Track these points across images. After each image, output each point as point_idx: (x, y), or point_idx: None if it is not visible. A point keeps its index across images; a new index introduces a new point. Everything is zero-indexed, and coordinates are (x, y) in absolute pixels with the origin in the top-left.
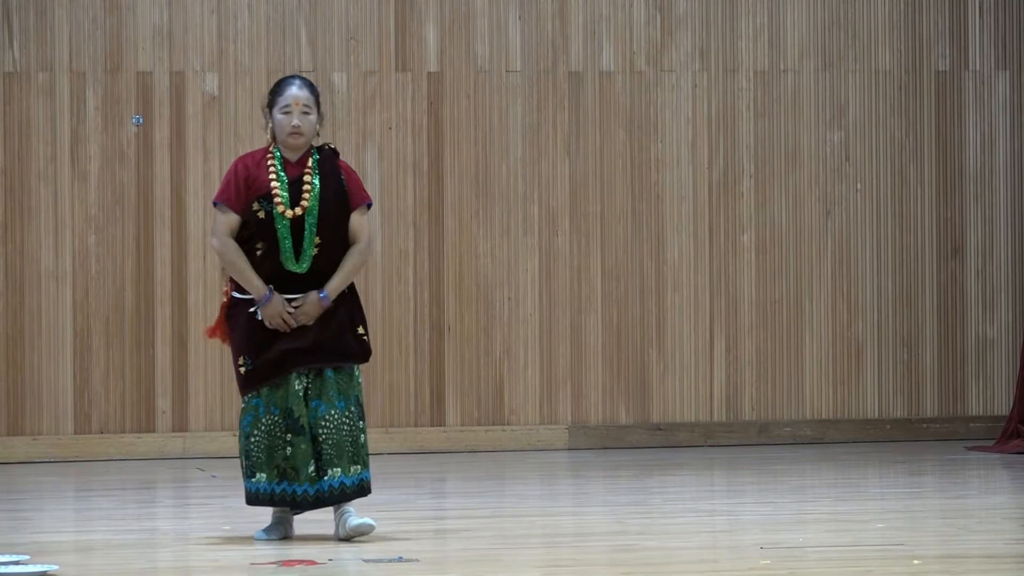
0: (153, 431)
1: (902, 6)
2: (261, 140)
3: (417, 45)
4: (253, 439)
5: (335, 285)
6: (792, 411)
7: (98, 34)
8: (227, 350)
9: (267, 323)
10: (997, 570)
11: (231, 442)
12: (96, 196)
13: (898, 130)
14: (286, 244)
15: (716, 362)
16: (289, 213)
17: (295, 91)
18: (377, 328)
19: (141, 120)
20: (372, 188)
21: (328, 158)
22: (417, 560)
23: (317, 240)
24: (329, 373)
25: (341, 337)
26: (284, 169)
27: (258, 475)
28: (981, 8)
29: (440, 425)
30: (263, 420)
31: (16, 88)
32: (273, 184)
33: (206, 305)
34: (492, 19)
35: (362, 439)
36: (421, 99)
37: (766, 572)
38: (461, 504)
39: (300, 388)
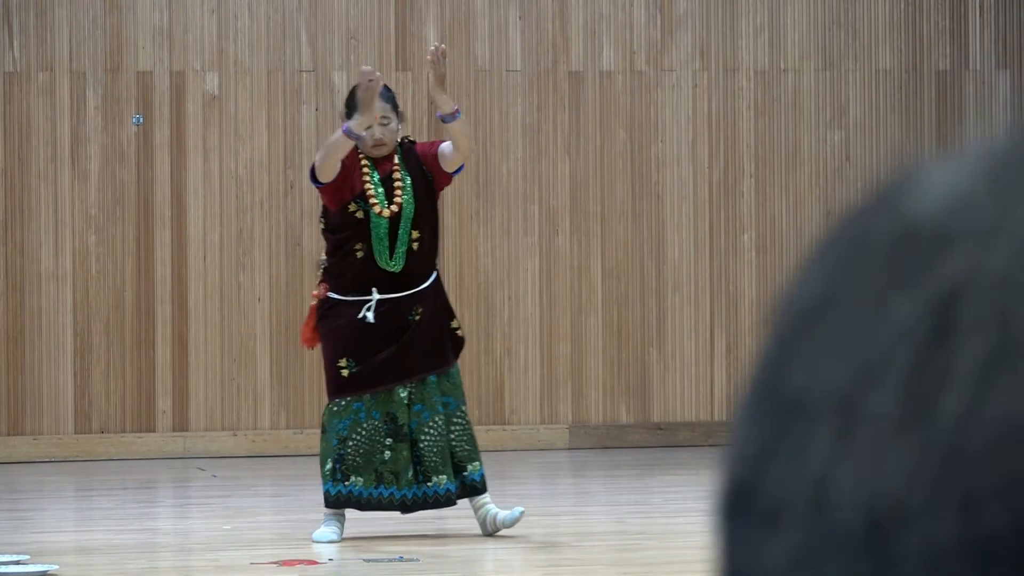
0: (153, 431)
1: (902, 5)
2: (261, 140)
3: (417, 45)
4: (351, 443)
5: (459, 118)
6: None
7: (98, 34)
8: (227, 350)
9: (365, 124)
10: None
11: (231, 442)
12: (96, 196)
13: (899, 130)
14: (382, 244)
15: (717, 361)
16: (386, 212)
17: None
18: None
19: (141, 120)
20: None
21: (409, 151)
22: (417, 560)
23: (415, 234)
24: (432, 378)
25: (441, 341)
26: (375, 168)
27: (353, 478)
28: (981, 7)
29: None
30: (364, 425)
31: (16, 88)
32: (367, 184)
33: (206, 305)
34: (492, 19)
35: (469, 437)
36: (421, 99)
37: None
38: (461, 503)
39: (405, 394)
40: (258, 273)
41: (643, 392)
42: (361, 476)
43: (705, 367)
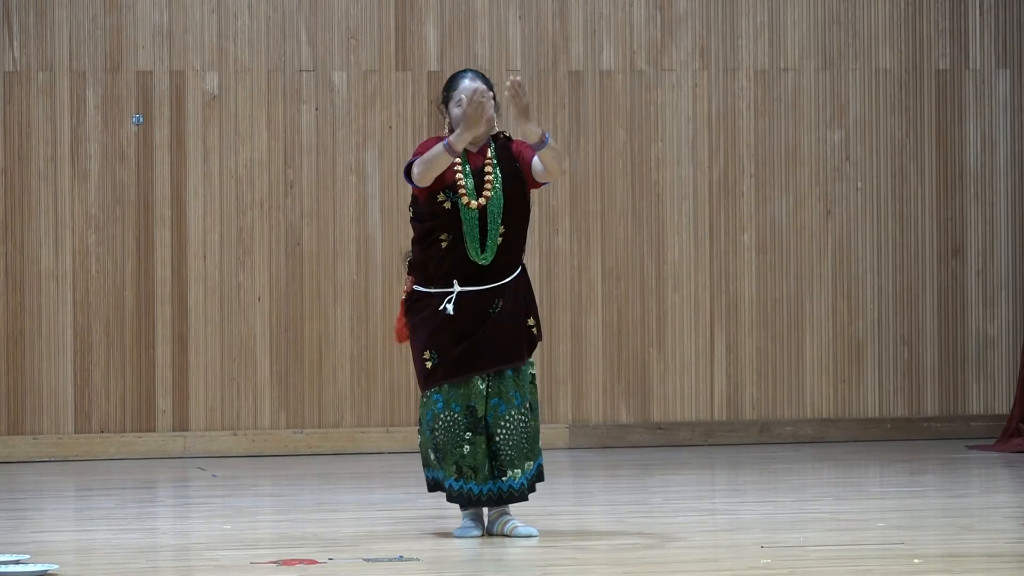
0: (153, 431)
1: (902, 5)
2: (261, 140)
3: (417, 44)
4: (437, 432)
5: (548, 144)
6: (793, 410)
7: (98, 34)
8: (227, 350)
9: (469, 125)
10: (998, 569)
11: (231, 441)
12: (96, 196)
13: (898, 129)
14: (472, 235)
15: (717, 361)
16: (474, 204)
17: (468, 83)
18: (377, 327)
19: (141, 120)
20: (372, 187)
21: (503, 146)
22: (417, 560)
23: (502, 229)
24: (508, 372)
25: (518, 336)
26: (467, 160)
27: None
28: (981, 7)
29: None
30: (442, 416)
31: (16, 88)
32: (458, 175)
33: (206, 305)
34: (492, 19)
35: (535, 434)
36: (421, 98)
37: (767, 571)
38: None
39: (484, 387)
40: (258, 273)
41: (643, 392)
42: (444, 469)
43: (705, 367)
